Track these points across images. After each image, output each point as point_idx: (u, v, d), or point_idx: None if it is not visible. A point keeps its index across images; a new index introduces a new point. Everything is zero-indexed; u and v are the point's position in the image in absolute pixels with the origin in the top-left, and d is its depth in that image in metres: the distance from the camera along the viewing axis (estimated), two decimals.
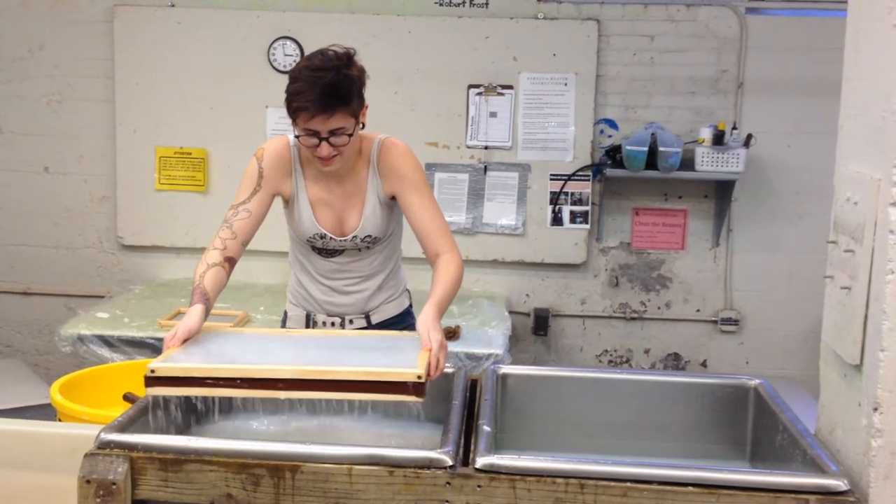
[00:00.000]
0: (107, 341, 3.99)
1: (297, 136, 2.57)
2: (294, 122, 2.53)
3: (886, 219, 1.67)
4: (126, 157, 5.06)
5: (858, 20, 1.86)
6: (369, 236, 2.73)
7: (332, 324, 2.81)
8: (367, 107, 2.60)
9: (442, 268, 2.53)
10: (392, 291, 2.88)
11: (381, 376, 1.97)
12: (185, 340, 2.20)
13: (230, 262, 2.54)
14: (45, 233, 5.20)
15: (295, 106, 2.47)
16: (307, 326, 2.84)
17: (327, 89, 2.44)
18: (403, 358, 2.08)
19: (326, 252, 2.77)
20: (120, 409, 2.42)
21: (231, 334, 2.37)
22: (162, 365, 2.02)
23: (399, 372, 1.98)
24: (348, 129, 2.53)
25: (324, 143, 2.52)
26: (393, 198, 2.71)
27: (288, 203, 2.75)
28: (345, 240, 2.72)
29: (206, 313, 2.33)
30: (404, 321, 2.89)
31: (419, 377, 1.96)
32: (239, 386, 1.98)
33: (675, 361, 5.12)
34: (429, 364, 2.05)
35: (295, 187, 2.71)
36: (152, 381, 1.99)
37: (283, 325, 2.95)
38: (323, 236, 2.71)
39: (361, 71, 2.56)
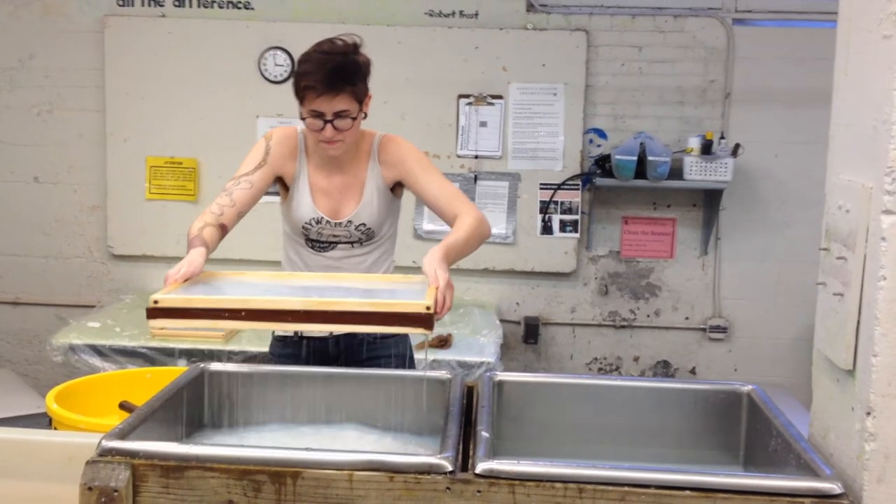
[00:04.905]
0: (98, 351, 3.99)
1: (302, 119, 2.64)
2: (301, 104, 2.62)
3: (878, 226, 1.69)
4: (116, 166, 5.06)
5: (848, 31, 1.89)
6: (364, 224, 2.76)
7: None
8: (370, 97, 2.69)
9: (457, 222, 2.59)
10: None
11: (389, 307, 1.97)
12: (186, 280, 2.21)
13: (223, 229, 2.57)
14: (34, 242, 5.19)
15: (303, 85, 2.57)
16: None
17: (334, 70, 2.55)
18: (410, 295, 2.10)
19: (320, 245, 2.79)
20: (115, 418, 2.43)
21: (232, 278, 2.34)
22: (166, 296, 2.01)
23: (408, 303, 1.99)
24: (352, 112, 2.61)
25: (328, 126, 2.60)
26: (394, 187, 2.78)
27: (287, 190, 2.78)
28: (339, 224, 2.75)
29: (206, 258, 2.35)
30: None
31: (428, 308, 1.96)
32: (244, 318, 1.95)
33: (664, 369, 5.15)
34: (436, 301, 2.06)
35: (298, 171, 2.77)
36: (155, 312, 1.97)
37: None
38: (319, 220, 2.75)
39: (368, 61, 2.68)
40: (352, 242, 2.79)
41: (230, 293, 2.15)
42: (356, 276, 2.59)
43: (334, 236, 2.78)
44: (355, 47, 2.65)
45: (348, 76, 2.58)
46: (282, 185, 2.80)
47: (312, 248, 2.81)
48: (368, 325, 1.95)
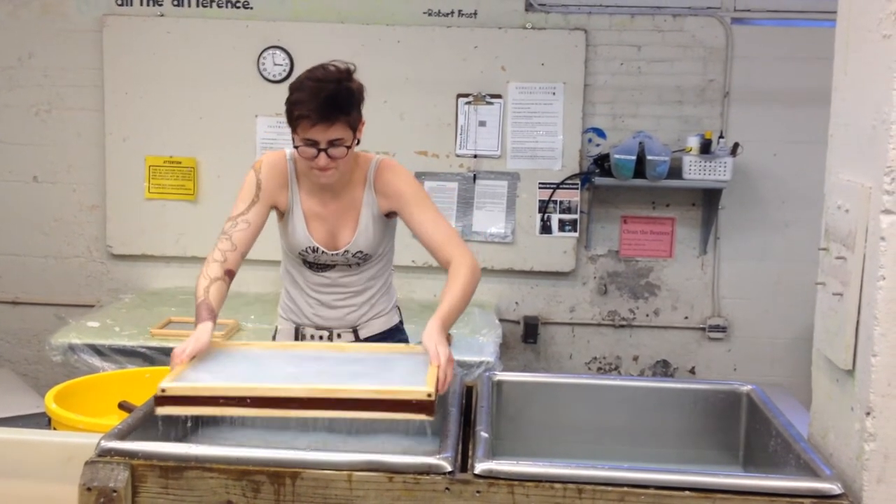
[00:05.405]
0: (98, 350, 3.99)
1: (295, 147, 2.60)
2: (294, 132, 2.57)
3: (877, 226, 1.70)
4: (115, 166, 5.06)
5: (848, 31, 1.90)
6: (360, 252, 2.75)
7: (321, 337, 2.82)
8: (363, 123, 2.64)
9: (451, 276, 2.54)
10: (382, 307, 2.90)
11: (391, 395, 1.99)
12: (193, 357, 2.21)
13: (230, 274, 2.56)
14: (33, 242, 5.19)
15: (297, 114, 2.52)
16: (296, 339, 2.85)
17: (329, 99, 2.49)
18: (412, 374, 2.12)
19: (318, 266, 2.79)
20: (114, 418, 2.42)
21: (238, 351, 2.37)
22: (173, 384, 2.03)
23: (410, 390, 2.00)
24: (346, 140, 2.57)
25: (322, 154, 2.56)
26: (388, 215, 2.75)
27: (283, 216, 2.77)
28: (336, 254, 2.74)
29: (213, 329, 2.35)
30: (394, 337, 2.91)
31: (429, 395, 1.98)
32: (249, 405, 2.00)
33: (663, 368, 5.15)
34: (437, 379, 2.07)
35: (291, 199, 2.74)
36: (163, 400, 2.00)
37: (274, 339, 2.96)
38: (315, 249, 2.74)
39: (361, 87, 2.61)
40: (349, 265, 2.79)
41: (237, 372, 2.18)
42: (358, 347, 2.62)
43: (331, 261, 2.77)
44: (348, 73, 2.58)
45: (343, 105, 2.53)
46: (277, 209, 2.78)
47: (310, 268, 2.81)
48: (372, 410, 2.00)
